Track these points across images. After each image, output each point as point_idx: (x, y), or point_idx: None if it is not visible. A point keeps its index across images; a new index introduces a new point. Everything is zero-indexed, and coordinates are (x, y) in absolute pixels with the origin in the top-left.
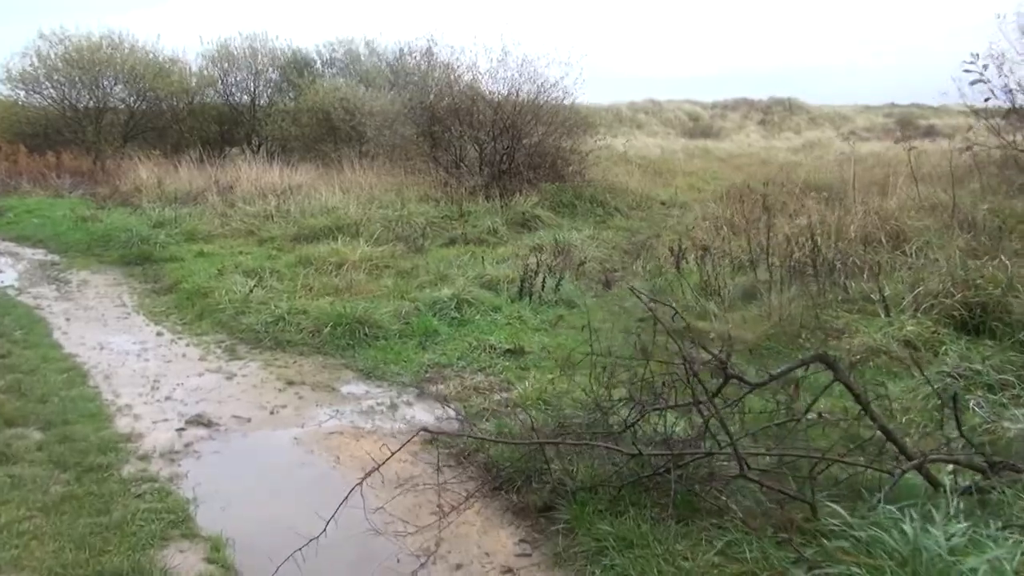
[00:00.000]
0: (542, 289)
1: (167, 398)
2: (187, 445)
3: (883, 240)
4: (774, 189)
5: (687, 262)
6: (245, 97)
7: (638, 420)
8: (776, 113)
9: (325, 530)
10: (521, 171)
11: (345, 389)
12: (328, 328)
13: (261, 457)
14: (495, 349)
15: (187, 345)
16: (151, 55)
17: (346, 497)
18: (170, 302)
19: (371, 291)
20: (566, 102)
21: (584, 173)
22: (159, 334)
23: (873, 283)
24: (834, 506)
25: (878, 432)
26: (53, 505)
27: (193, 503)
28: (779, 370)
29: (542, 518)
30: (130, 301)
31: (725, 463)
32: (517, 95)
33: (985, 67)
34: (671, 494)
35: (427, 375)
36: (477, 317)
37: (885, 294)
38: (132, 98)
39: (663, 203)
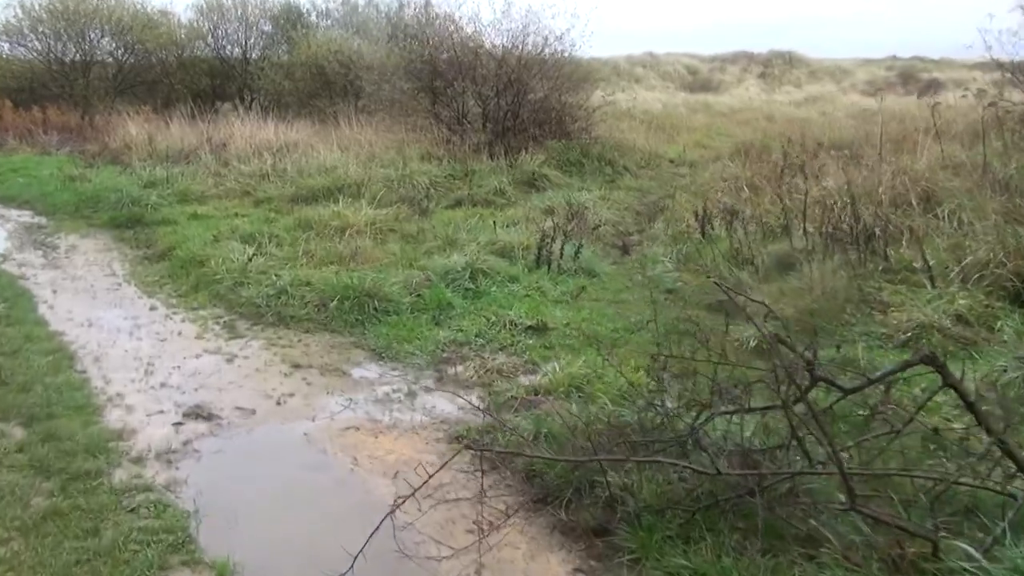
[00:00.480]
0: (560, 257)
1: (162, 385)
2: (185, 443)
3: (913, 202)
4: (792, 147)
5: (712, 227)
6: (237, 50)
7: (704, 425)
8: (776, 66)
9: (352, 567)
10: (526, 128)
11: (357, 373)
12: (335, 302)
13: (269, 458)
14: (516, 325)
15: (182, 321)
16: (139, 6)
17: (377, 527)
18: (163, 271)
19: (377, 259)
20: (570, 54)
21: (591, 130)
22: (152, 308)
23: (916, 251)
24: (961, 544)
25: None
26: (34, 525)
27: (195, 518)
28: (879, 373)
29: (599, 541)
30: (121, 270)
31: (813, 482)
32: (522, 48)
33: None
34: (756, 519)
35: (444, 355)
36: (493, 289)
37: (930, 263)
38: (120, 51)
39: (671, 161)
